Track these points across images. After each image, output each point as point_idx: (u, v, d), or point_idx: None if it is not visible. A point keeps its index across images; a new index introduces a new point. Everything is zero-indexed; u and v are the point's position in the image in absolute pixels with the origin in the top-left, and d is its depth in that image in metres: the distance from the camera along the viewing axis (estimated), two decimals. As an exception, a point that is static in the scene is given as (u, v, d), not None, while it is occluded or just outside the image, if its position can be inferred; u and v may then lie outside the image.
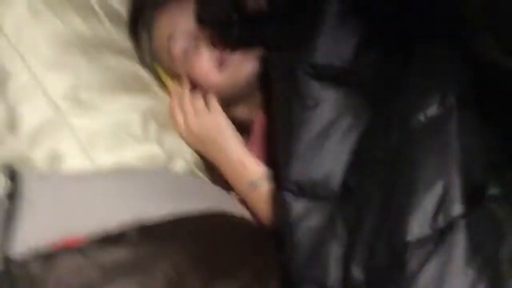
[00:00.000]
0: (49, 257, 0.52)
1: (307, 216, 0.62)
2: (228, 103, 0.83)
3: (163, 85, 0.83)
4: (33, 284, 0.51)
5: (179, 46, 0.80)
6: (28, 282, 0.51)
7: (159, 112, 0.76)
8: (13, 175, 0.57)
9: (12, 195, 0.56)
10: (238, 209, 0.73)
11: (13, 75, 0.66)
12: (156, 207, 0.63)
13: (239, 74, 0.80)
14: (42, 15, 0.70)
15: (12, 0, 0.68)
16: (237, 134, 0.79)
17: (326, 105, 0.63)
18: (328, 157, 0.62)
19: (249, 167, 0.76)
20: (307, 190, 0.62)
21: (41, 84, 0.66)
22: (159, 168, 0.70)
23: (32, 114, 0.65)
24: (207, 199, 0.70)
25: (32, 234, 0.54)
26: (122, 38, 0.81)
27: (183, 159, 0.75)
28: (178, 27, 0.80)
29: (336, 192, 0.61)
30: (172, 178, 0.71)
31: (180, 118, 0.81)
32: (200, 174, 0.78)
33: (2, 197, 0.57)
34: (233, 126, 0.80)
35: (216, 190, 0.76)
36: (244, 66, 0.79)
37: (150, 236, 0.59)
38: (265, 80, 0.81)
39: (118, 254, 0.55)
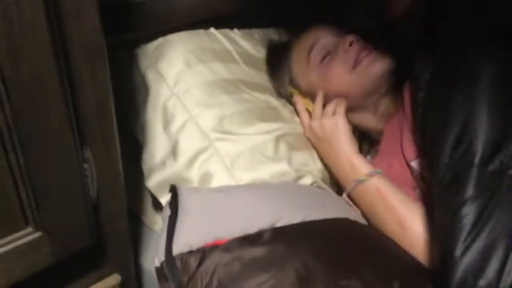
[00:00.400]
0: (201, 253, 0.64)
1: None
2: (356, 107, 0.91)
3: (295, 111, 0.95)
4: (189, 274, 0.63)
5: (317, 53, 0.92)
6: (186, 273, 0.63)
7: (288, 135, 0.86)
8: (173, 190, 0.72)
9: (173, 205, 0.70)
10: (360, 218, 0.78)
11: (175, 115, 0.82)
12: (289, 215, 0.72)
13: (369, 73, 0.87)
14: (194, 67, 0.87)
15: (172, 59, 0.86)
16: (352, 137, 0.86)
17: None
18: None
19: (356, 166, 0.82)
20: None
21: (195, 120, 0.82)
22: (289, 182, 0.79)
23: (189, 144, 0.80)
24: (333, 208, 0.77)
25: (188, 235, 0.67)
26: (256, 76, 0.95)
27: (311, 175, 0.84)
28: (318, 40, 0.93)
29: None
30: (301, 189, 0.80)
31: (306, 119, 0.92)
32: (327, 189, 0.85)
33: (166, 207, 0.71)
34: (349, 130, 0.87)
35: (340, 200, 0.82)
36: (374, 65, 0.87)
37: (283, 237, 0.68)
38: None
39: (255, 251, 0.65)
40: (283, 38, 1.09)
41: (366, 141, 0.97)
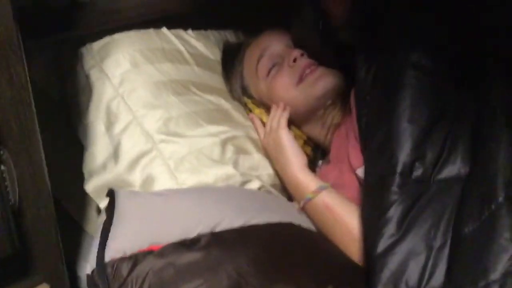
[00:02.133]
0: (134, 259, 0.62)
1: None
2: (303, 120, 0.91)
3: (246, 115, 0.93)
4: (120, 281, 0.61)
5: (264, 64, 0.92)
6: (116, 280, 0.61)
7: (237, 138, 0.84)
8: (111, 194, 0.69)
9: (109, 209, 0.67)
10: (307, 223, 0.77)
11: (118, 116, 0.80)
12: (230, 219, 0.70)
13: (312, 91, 0.88)
14: (141, 66, 0.85)
15: (118, 58, 0.84)
16: (297, 151, 0.85)
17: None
18: None
19: (303, 184, 0.81)
20: None
21: (139, 122, 0.79)
22: (234, 186, 0.78)
23: (132, 146, 0.78)
24: (278, 213, 0.75)
25: (122, 241, 0.64)
26: (208, 78, 0.93)
27: (258, 180, 0.82)
28: (267, 50, 0.93)
29: None
30: (246, 194, 0.78)
31: (261, 135, 0.91)
32: (275, 193, 0.83)
33: (103, 212, 0.69)
34: (293, 142, 0.86)
35: (287, 204, 0.81)
36: (318, 84, 0.88)
37: (220, 241, 0.66)
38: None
39: (191, 256, 0.63)
40: (240, 39, 1.07)
41: (319, 148, 0.96)
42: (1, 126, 0.50)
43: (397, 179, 0.64)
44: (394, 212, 0.63)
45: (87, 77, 0.82)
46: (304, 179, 0.81)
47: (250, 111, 0.94)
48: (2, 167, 0.51)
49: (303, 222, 0.77)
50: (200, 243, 0.65)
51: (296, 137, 0.90)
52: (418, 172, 0.65)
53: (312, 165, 0.90)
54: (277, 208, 0.78)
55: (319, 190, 0.78)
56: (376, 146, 0.70)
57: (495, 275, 0.52)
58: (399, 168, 0.64)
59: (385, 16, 0.76)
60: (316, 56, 0.90)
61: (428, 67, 0.69)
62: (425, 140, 0.66)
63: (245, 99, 0.95)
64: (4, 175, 0.52)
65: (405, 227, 0.62)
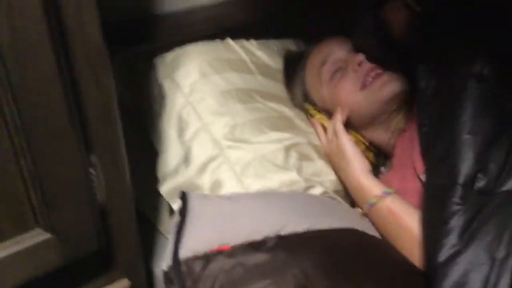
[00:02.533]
0: (206, 258, 0.66)
1: None
2: (366, 125, 0.92)
3: (309, 122, 0.95)
4: (193, 278, 0.65)
5: (328, 69, 0.94)
6: (190, 277, 0.65)
7: (300, 145, 0.87)
8: (183, 196, 0.74)
9: (182, 211, 0.72)
10: (370, 229, 0.78)
11: (188, 123, 0.85)
12: (294, 223, 0.73)
13: (378, 96, 0.88)
14: (209, 76, 0.89)
15: (188, 69, 0.89)
16: (360, 156, 0.86)
17: None
18: None
19: (366, 188, 0.82)
20: None
21: (208, 129, 0.84)
22: (298, 191, 0.80)
23: (201, 152, 0.83)
24: (341, 218, 0.77)
25: (194, 241, 0.69)
26: (271, 86, 0.97)
27: (321, 186, 0.84)
28: (330, 55, 0.95)
29: None
30: (309, 199, 0.81)
31: (323, 141, 0.93)
32: (338, 199, 0.85)
33: (176, 213, 0.73)
34: (354, 147, 0.87)
35: (350, 210, 0.82)
36: (384, 89, 0.88)
37: (286, 244, 0.69)
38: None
39: (258, 258, 0.67)
40: (301, 48, 1.10)
41: (382, 154, 0.96)
42: (91, 134, 0.55)
43: (459, 190, 0.64)
44: (456, 223, 0.63)
45: (160, 86, 0.88)
46: (367, 183, 0.82)
47: (312, 116, 0.96)
48: (92, 170, 0.57)
49: (367, 228, 0.78)
50: (267, 245, 0.68)
51: (357, 143, 0.91)
52: (480, 183, 0.65)
53: (374, 171, 0.91)
54: (340, 214, 0.79)
55: (384, 195, 0.79)
56: (438, 156, 0.70)
57: None
58: (461, 180, 0.65)
59: (444, 27, 0.76)
60: (379, 62, 0.91)
61: (491, 78, 0.69)
62: (488, 152, 0.66)
63: (307, 105, 0.97)
64: (93, 177, 0.57)
65: (467, 238, 0.62)
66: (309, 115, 0.97)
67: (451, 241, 0.62)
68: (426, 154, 0.77)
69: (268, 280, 0.63)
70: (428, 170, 0.74)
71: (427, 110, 0.78)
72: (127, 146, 0.84)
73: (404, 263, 0.71)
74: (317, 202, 0.81)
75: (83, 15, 0.50)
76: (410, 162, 0.85)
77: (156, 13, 0.93)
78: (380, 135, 0.93)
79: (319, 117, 0.95)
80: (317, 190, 0.83)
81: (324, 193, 0.84)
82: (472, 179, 0.65)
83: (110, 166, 0.59)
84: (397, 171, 0.88)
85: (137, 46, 0.92)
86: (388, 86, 0.88)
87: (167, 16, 0.94)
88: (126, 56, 0.92)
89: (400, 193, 0.85)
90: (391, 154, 0.92)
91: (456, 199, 0.64)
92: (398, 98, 0.89)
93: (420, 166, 0.81)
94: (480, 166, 0.65)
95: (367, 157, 0.91)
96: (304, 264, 0.65)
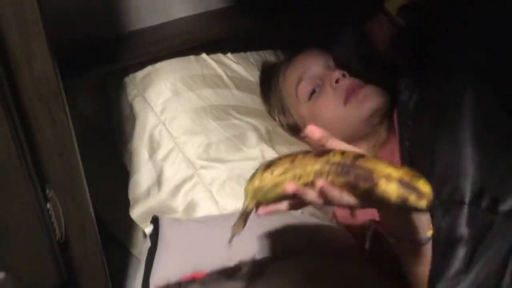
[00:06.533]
0: (177, 286, 0.64)
1: None
2: (350, 140, 0.88)
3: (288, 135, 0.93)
4: (165, 308, 0.62)
5: (305, 88, 0.91)
6: (162, 306, 0.63)
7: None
8: (155, 221, 0.71)
9: (153, 237, 0.70)
10: (350, 243, 0.75)
11: (161, 143, 0.82)
12: (271, 246, 0.70)
13: (361, 111, 0.86)
14: (182, 94, 0.87)
15: (160, 87, 0.86)
16: None
17: None
18: None
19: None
20: None
21: (181, 149, 0.82)
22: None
23: (174, 173, 0.80)
24: (319, 238, 0.74)
25: (166, 268, 0.66)
26: (248, 100, 0.94)
27: (301, 203, 0.81)
28: (305, 72, 0.92)
29: None
30: (287, 218, 0.78)
31: None
32: (319, 215, 0.82)
33: (147, 238, 0.71)
34: None
35: (330, 228, 0.79)
36: (365, 104, 0.86)
37: (262, 271, 0.66)
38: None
39: (232, 286, 0.64)
40: (280, 59, 1.07)
41: None
42: (46, 167, 0.53)
43: (466, 210, 0.61)
44: (460, 252, 0.59)
45: (131, 106, 0.86)
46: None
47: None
48: (48, 205, 0.54)
49: (345, 244, 0.75)
50: (241, 272, 0.66)
51: None
52: (486, 201, 0.61)
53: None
54: (319, 234, 0.77)
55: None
56: (438, 173, 0.65)
57: None
58: (467, 199, 0.61)
59: (429, 41, 0.74)
60: (358, 76, 0.89)
61: (487, 89, 0.67)
62: (492, 167, 0.63)
63: None
64: (50, 212, 0.55)
65: (473, 263, 0.59)
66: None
67: (455, 267, 0.59)
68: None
69: (240, 310, 0.62)
70: None
71: (409, 124, 0.75)
72: (100, 167, 0.82)
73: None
74: (295, 221, 0.78)
75: (31, 45, 0.48)
76: None
77: (127, 31, 0.91)
78: (363, 149, 0.91)
79: None
80: (295, 208, 0.81)
81: (304, 210, 0.82)
82: (478, 196, 0.61)
83: (69, 200, 0.56)
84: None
85: (108, 65, 0.89)
86: (369, 101, 0.86)
87: (137, 33, 0.91)
88: (97, 76, 0.90)
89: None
90: None
91: (463, 219, 0.60)
92: (379, 112, 0.87)
93: None
94: (485, 182, 0.62)
95: None
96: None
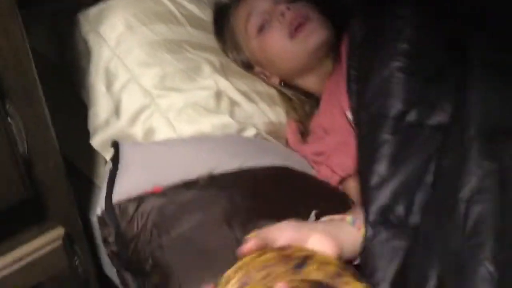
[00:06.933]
0: (138, 199, 0.68)
1: None
2: (298, 73, 0.94)
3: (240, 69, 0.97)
4: (127, 219, 0.67)
5: (254, 23, 0.94)
6: (124, 218, 0.67)
7: (232, 89, 0.88)
8: (115, 145, 0.75)
9: (114, 159, 0.73)
10: (301, 166, 0.81)
11: (117, 76, 0.85)
12: (226, 163, 0.75)
13: (306, 45, 0.90)
14: (136, 29, 0.89)
15: (113, 22, 0.88)
16: None
17: None
18: None
19: None
20: None
21: (137, 80, 0.84)
22: (230, 133, 0.82)
23: (131, 102, 0.83)
24: (273, 157, 0.80)
25: (127, 185, 0.70)
26: (202, 37, 0.97)
27: (254, 128, 0.86)
28: (254, 8, 0.94)
29: None
30: (242, 140, 0.83)
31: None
32: (271, 139, 0.88)
33: (109, 161, 0.75)
34: None
35: (283, 149, 0.85)
36: (314, 34, 0.90)
37: (217, 182, 0.71)
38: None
39: (190, 195, 0.69)
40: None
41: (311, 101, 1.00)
42: (2, 81, 0.55)
43: (390, 122, 0.67)
44: (386, 151, 0.65)
45: (85, 41, 0.87)
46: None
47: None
48: (9, 120, 0.57)
49: (298, 165, 0.81)
50: (198, 184, 0.71)
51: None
52: (411, 117, 0.67)
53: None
54: (272, 153, 0.82)
55: None
56: (371, 92, 0.72)
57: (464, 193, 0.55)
58: (392, 113, 0.67)
59: None
60: (305, 9, 0.92)
61: (423, 27, 0.72)
62: (419, 90, 0.68)
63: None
64: (11, 127, 0.57)
65: (396, 165, 0.65)
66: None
67: (381, 168, 0.64)
68: (352, 92, 0.80)
69: (198, 214, 0.66)
70: (360, 106, 0.75)
71: (357, 53, 0.80)
72: (57, 103, 0.84)
73: (329, 190, 0.75)
74: (249, 143, 0.84)
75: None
76: (338, 102, 0.89)
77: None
78: (312, 82, 0.96)
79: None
80: (250, 132, 0.86)
81: (257, 134, 0.87)
82: (403, 113, 0.67)
83: (29, 116, 0.59)
84: (326, 112, 0.92)
85: (60, 2, 0.90)
86: (315, 35, 0.90)
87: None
88: (49, 13, 0.91)
89: (330, 130, 0.89)
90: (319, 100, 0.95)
91: (387, 129, 0.66)
92: (325, 45, 0.91)
93: (346, 103, 0.85)
94: (412, 102, 0.67)
95: (304, 110, 0.94)
96: (232, 199, 0.68)
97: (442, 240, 0.53)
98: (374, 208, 0.62)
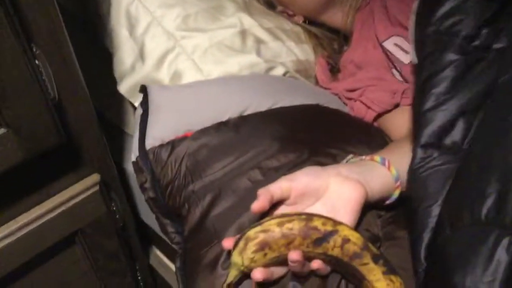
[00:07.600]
0: (171, 144, 0.67)
1: None
2: (321, 9, 0.90)
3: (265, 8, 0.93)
4: (161, 164, 0.66)
5: None
6: (158, 164, 0.66)
7: (257, 27, 0.85)
8: (143, 90, 0.73)
9: (144, 104, 0.72)
10: (334, 103, 0.79)
11: (138, 19, 0.82)
12: (257, 103, 0.73)
13: None
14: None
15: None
16: None
17: None
18: None
19: None
20: None
21: (159, 22, 0.81)
22: (259, 73, 0.80)
23: (155, 45, 0.80)
24: (304, 95, 0.78)
25: (159, 130, 0.69)
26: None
27: (283, 66, 0.83)
28: None
29: None
30: (271, 79, 0.80)
31: None
32: (301, 78, 0.85)
33: (139, 107, 0.73)
34: None
35: (314, 88, 0.82)
36: None
37: (248, 123, 0.70)
38: None
39: (221, 137, 0.68)
40: None
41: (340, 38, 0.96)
42: (30, 26, 0.53)
43: (459, 41, 0.61)
44: (449, 73, 0.60)
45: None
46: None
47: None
48: (37, 62, 0.55)
49: (331, 103, 0.79)
50: (229, 125, 0.69)
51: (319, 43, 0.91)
52: (480, 39, 0.61)
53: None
54: (302, 91, 0.79)
55: None
56: (445, 8, 0.63)
57: None
58: (463, 33, 0.61)
59: None
60: None
61: None
62: (493, 12, 0.61)
63: None
64: (40, 69, 0.56)
65: (457, 87, 0.60)
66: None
67: (440, 90, 0.59)
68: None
69: (230, 157, 0.65)
70: (430, 23, 0.65)
71: None
72: (82, 56, 0.82)
73: (363, 124, 0.73)
74: (278, 81, 0.81)
75: None
76: (371, 33, 0.85)
77: None
78: (338, 18, 0.92)
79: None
80: (278, 71, 0.83)
81: (286, 73, 0.84)
82: (474, 34, 0.61)
83: (57, 59, 0.58)
84: (358, 46, 0.88)
85: None
86: None
87: None
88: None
89: (363, 65, 0.85)
90: (351, 35, 0.91)
91: (454, 49, 0.61)
92: None
93: (381, 33, 0.81)
94: (484, 25, 0.61)
95: (332, 47, 0.90)
96: (263, 140, 0.66)
97: (501, 157, 0.50)
98: (429, 130, 0.58)
